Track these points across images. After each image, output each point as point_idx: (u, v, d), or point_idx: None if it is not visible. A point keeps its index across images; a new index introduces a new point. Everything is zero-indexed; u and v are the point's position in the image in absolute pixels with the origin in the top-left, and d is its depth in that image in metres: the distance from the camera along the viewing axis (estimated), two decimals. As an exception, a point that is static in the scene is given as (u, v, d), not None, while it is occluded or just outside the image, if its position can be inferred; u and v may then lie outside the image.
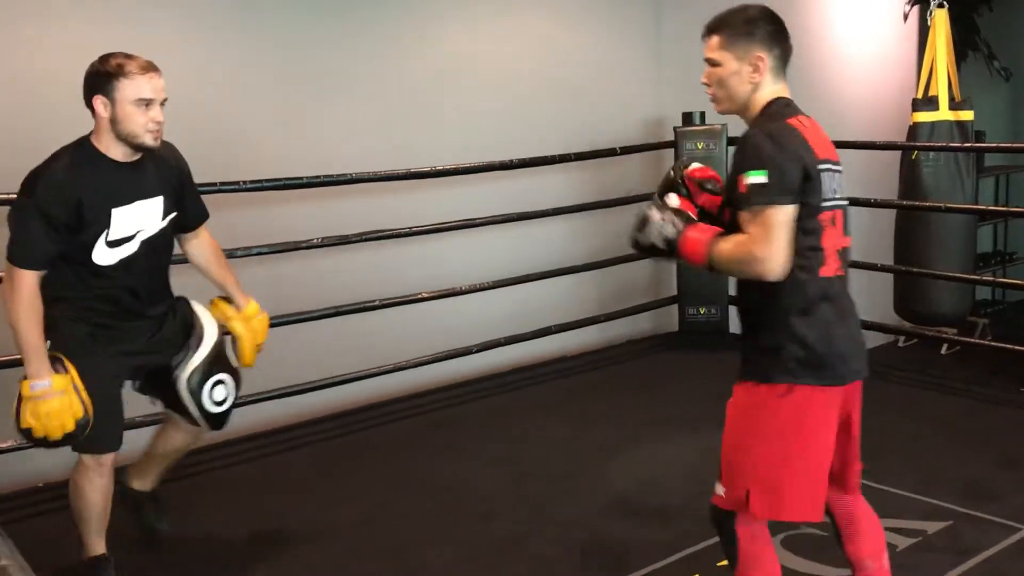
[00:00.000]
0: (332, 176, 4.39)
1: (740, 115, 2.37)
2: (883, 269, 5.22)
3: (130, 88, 2.60)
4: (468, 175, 4.93)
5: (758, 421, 2.29)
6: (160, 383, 2.98)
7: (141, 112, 2.61)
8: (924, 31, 5.51)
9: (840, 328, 2.27)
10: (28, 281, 2.63)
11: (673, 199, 2.39)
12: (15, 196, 2.76)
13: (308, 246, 4.34)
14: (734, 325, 5.69)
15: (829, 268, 2.24)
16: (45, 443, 2.69)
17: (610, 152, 5.49)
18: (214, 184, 3.89)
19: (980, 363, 5.18)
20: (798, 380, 2.23)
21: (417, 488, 3.83)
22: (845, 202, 2.31)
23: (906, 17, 5.98)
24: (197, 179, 3.10)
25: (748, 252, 2.15)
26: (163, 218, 2.82)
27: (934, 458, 3.94)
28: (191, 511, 3.60)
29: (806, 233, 2.19)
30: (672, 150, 5.64)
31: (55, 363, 2.68)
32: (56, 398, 2.62)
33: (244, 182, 4.14)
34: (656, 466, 3.96)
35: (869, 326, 5.42)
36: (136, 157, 2.71)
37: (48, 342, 2.71)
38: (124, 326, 2.83)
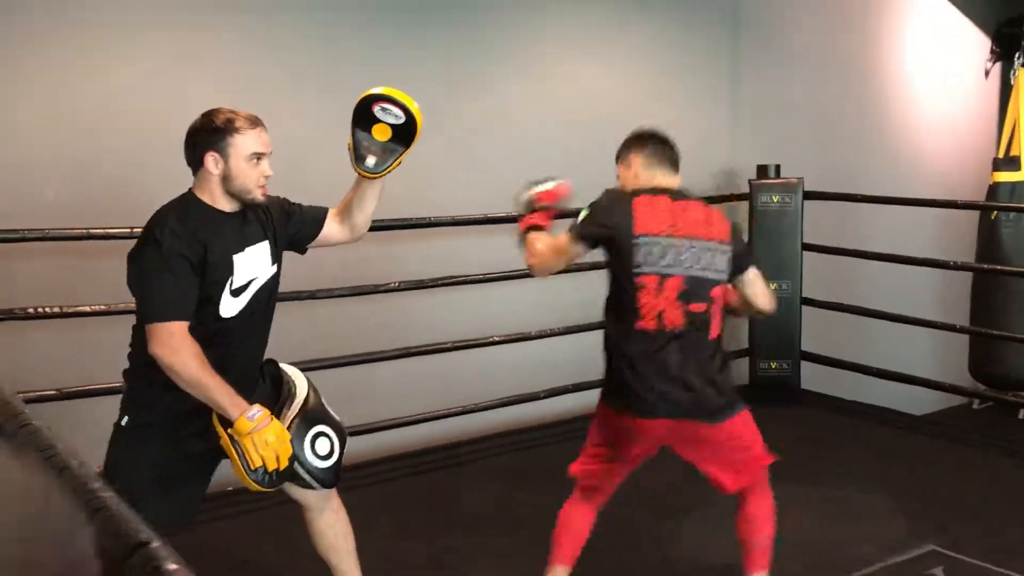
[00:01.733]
0: (411, 220, 4.49)
1: None
2: (960, 330, 5.14)
3: (243, 143, 2.55)
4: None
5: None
6: None
7: (253, 167, 2.57)
8: (1005, 88, 5.46)
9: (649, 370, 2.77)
10: (182, 332, 2.46)
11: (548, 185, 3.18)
12: (134, 258, 2.55)
13: (386, 289, 4.44)
14: (807, 380, 5.65)
15: (646, 323, 2.75)
16: (278, 478, 2.53)
17: (683, 203, 5.49)
18: None
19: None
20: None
21: (486, 529, 3.85)
22: (698, 273, 2.75)
23: (987, 74, 5.93)
24: None
25: (530, 247, 3.06)
26: (272, 263, 2.71)
27: (1010, 527, 3.84)
28: (261, 546, 3.67)
29: (621, 290, 2.80)
30: (747, 202, 5.64)
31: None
32: (272, 423, 2.52)
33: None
34: (720, 523, 3.92)
35: (943, 387, 5.34)
36: (241, 209, 2.65)
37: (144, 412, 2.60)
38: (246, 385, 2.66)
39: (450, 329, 4.80)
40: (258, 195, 2.59)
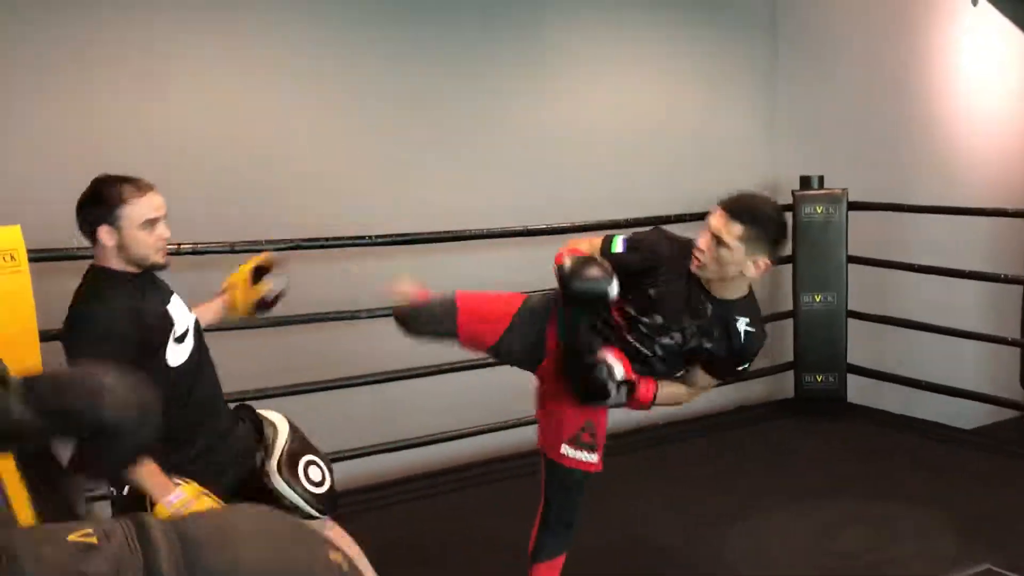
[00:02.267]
0: (441, 233, 4.52)
1: (712, 281, 2.60)
2: (1011, 343, 5.04)
3: (135, 211, 2.53)
4: (580, 233, 4.97)
5: None
6: (251, 492, 2.74)
7: (148, 234, 2.56)
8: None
9: None
10: None
11: (620, 369, 2.62)
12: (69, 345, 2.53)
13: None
14: (852, 393, 5.56)
15: None
16: None
17: (726, 214, 5.45)
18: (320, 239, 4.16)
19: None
20: None
21: (512, 554, 3.82)
22: None
23: (1037, 82, 5.84)
24: (307, 234, 3.59)
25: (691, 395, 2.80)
26: (189, 309, 2.76)
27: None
28: None
29: None
30: (790, 214, 5.57)
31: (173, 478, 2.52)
32: (196, 503, 2.47)
33: (371, 237, 4.29)
34: (769, 539, 3.87)
35: (994, 400, 5.23)
36: (142, 271, 2.63)
37: None
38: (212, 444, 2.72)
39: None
40: (158, 259, 2.60)
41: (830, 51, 6.06)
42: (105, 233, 2.53)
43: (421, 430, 4.60)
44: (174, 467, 2.49)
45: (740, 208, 2.48)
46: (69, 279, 3.84)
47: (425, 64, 4.79)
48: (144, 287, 2.61)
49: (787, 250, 2.55)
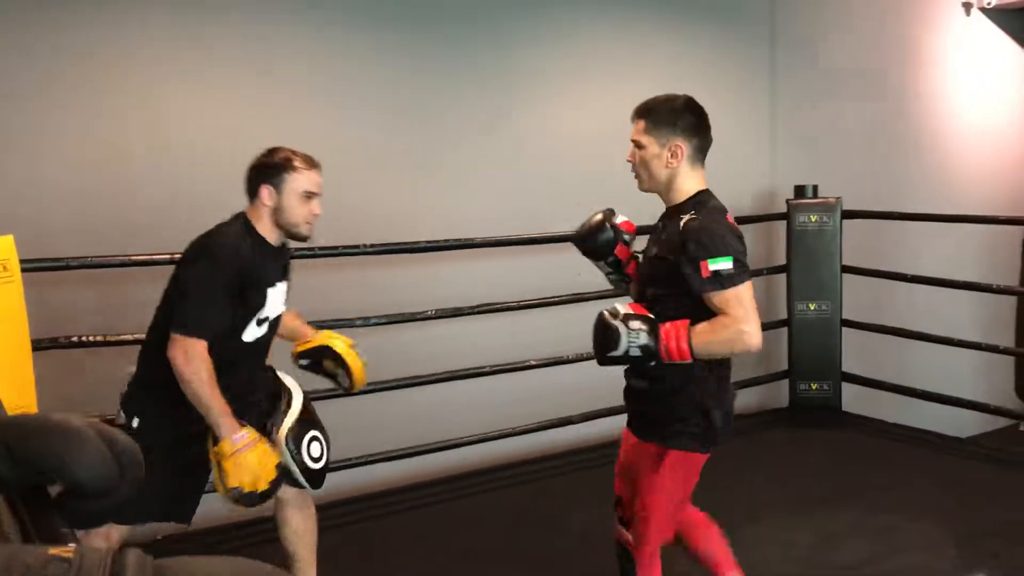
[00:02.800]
0: (451, 240, 4.50)
1: (660, 195, 2.61)
2: (1006, 352, 5.04)
3: (297, 181, 2.72)
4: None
5: None
6: None
7: (303, 203, 2.74)
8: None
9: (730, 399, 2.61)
10: (203, 350, 2.62)
11: (624, 307, 2.49)
12: (185, 266, 2.73)
13: (423, 317, 4.43)
14: (847, 401, 5.56)
15: None
16: (253, 499, 2.70)
17: (720, 223, 5.45)
18: (336, 248, 4.12)
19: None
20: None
21: (511, 560, 3.81)
22: None
23: (1029, 91, 5.86)
24: (323, 243, 3.42)
25: (737, 331, 2.36)
26: (284, 301, 2.92)
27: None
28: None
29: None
30: (784, 222, 5.58)
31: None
32: (257, 445, 2.68)
33: (365, 245, 4.27)
34: (766, 551, 3.86)
35: (987, 409, 5.23)
36: (283, 242, 2.83)
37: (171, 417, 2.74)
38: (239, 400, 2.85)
39: (488, 354, 4.78)
40: (304, 230, 2.77)
41: (827, 62, 6.08)
42: (266, 192, 2.72)
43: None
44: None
45: (637, 109, 2.61)
46: (62, 289, 3.83)
47: (414, 74, 4.79)
48: (268, 260, 2.76)
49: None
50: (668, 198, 2.58)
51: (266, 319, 2.82)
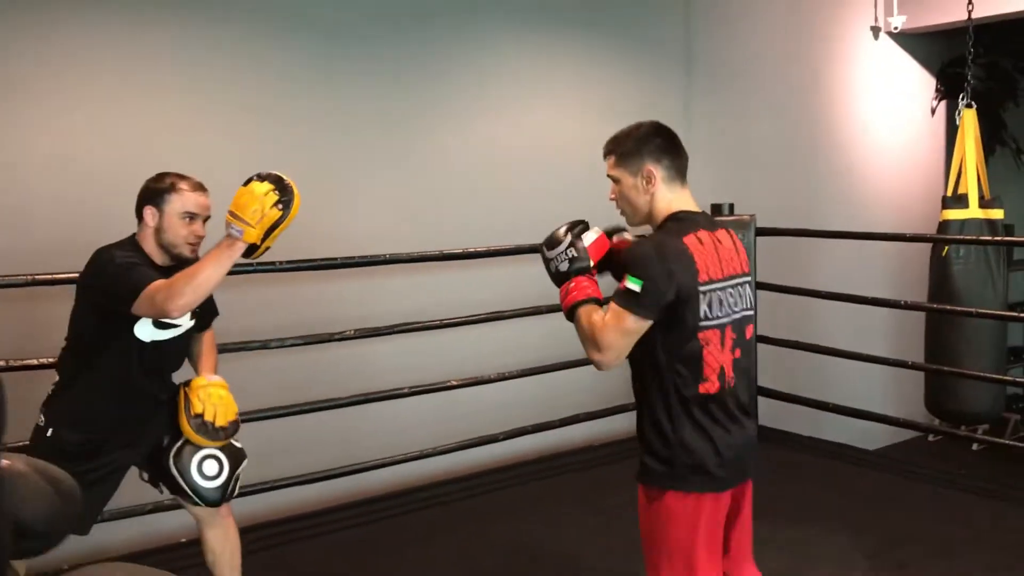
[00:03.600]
0: (366, 257, 4.47)
1: (650, 225, 2.52)
2: (913, 367, 5.19)
3: (178, 202, 2.85)
4: (501, 257, 5.01)
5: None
6: (159, 468, 3.05)
7: (184, 224, 2.87)
8: (952, 125, 5.58)
9: (724, 437, 2.38)
10: (160, 284, 2.70)
11: (590, 236, 2.51)
12: (86, 276, 2.88)
13: (341, 338, 4.38)
14: (763, 416, 5.63)
15: (711, 385, 2.35)
16: (209, 430, 2.92)
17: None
18: (251, 265, 4.00)
19: (1013, 461, 5.10)
20: (687, 488, 2.37)
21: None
22: (742, 314, 2.42)
23: (933, 112, 6.06)
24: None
25: (594, 335, 2.35)
26: (191, 318, 3.00)
27: (968, 564, 3.86)
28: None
29: (683, 351, 2.33)
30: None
31: None
32: (226, 390, 2.98)
33: (280, 262, 4.21)
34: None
35: (895, 422, 5.38)
36: (172, 264, 2.90)
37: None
38: (140, 416, 2.99)
39: (407, 374, 4.76)
40: (186, 251, 2.88)
41: (741, 82, 6.21)
42: (149, 213, 2.86)
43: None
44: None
45: (605, 146, 2.57)
46: (41, 305, 3.70)
47: (351, 90, 4.77)
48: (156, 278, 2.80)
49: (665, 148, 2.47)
50: (653, 224, 2.50)
51: (161, 327, 2.88)
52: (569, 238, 2.49)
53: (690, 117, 6.10)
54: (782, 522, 4.25)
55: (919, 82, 6.48)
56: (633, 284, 2.27)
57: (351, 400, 4.46)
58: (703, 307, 2.31)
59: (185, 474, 2.97)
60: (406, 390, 4.64)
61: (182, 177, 2.91)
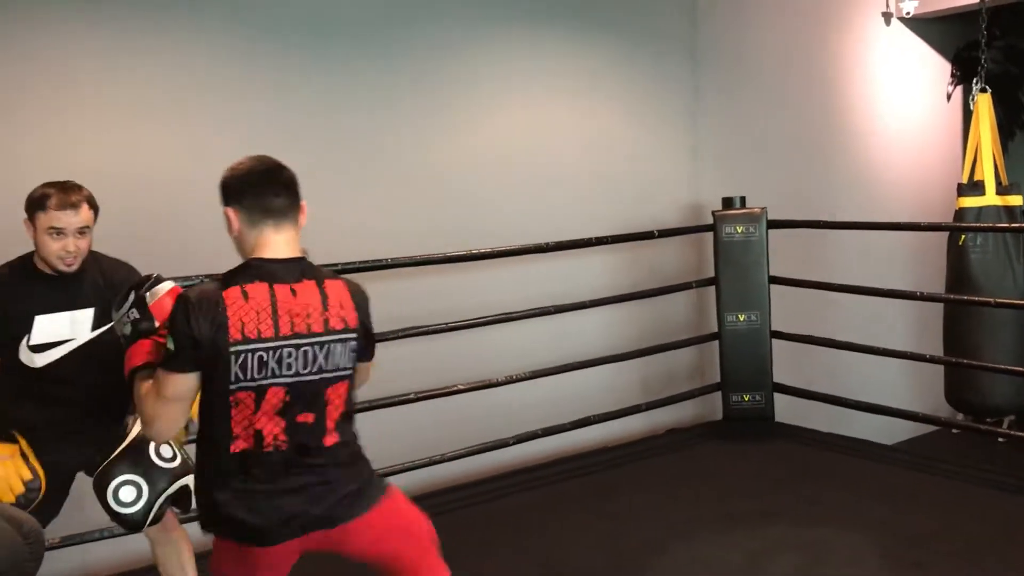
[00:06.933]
0: (368, 262, 4.38)
1: None
2: (932, 360, 5.07)
3: (44, 219, 2.81)
4: (506, 258, 4.93)
5: None
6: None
7: (52, 240, 2.82)
8: (968, 110, 5.44)
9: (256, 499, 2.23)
10: None
11: (160, 291, 2.32)
12: None
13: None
14: (780, 412, 5.56)
15: (239, 444, 2.20)
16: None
17: (648, 235, 5.44)
18: None
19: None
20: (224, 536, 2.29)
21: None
22: (318, 376, 2.22)
23: (949, 97, 5.93)
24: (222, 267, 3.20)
25: (142, 407, 2.22)
26: (93, 328, 2.94)
27: (990, 562, 3.74)
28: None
29: (218, 408, 2.18)
30: (711, 233, 5.57)
31: (6, 436, 2.92)
32: (2, 462, 2.84)
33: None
34: (700, 568, 3.82)
35: (913, 416, 5.26)
36: (73, 272, 2.89)
37: None
38: (60, 434, 2.99)
39: (414, 379, 4.69)
40: (59, 265, 2.85)
41: (750, 73, 6.10)
42: (27, 227, 2.86)
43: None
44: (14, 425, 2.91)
45: None
46: None
47: (342, 91, 4.71)
48: (36, 288, 2.87)
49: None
50: None
51: (44, 345, 2.89)
52: (132, 297, 2.32)
53: (697, 109, 6.00)
54: (799, 522, 4.15)
55: (934, 67, 6.32)
56: (169, 342, 2.14)
57: (358, 407, 4.39)
58: (234, 368, 2.13)
59: (102, 498, 2.95)
60: (412, 395, 4.58)
61: (54, 191, 2.82)
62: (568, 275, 5.31)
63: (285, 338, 2.17)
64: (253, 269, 2.21)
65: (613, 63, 5.68)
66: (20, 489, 2.83)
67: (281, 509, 2.24)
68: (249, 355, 2.14)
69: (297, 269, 2.24)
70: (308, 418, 2.24)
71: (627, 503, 4.60)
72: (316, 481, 2.27)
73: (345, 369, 2.27)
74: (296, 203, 2.27)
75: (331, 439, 2.29)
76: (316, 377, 2.22)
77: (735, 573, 3.68)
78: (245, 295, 2.16)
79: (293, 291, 2.20)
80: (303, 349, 2.19)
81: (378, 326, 4.34)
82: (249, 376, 2.15)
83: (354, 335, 2.27)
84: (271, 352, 2.16)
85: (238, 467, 2.21)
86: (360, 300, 2.31)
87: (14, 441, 2.91)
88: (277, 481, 2.23)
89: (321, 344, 2.21)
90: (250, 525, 2.22)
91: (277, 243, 2.23)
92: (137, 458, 2.99)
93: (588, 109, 5.61)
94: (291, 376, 2.19)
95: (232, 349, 2.12)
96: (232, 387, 2.15)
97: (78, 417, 2.99)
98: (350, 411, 2.36)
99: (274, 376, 2.17)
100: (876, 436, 5.41)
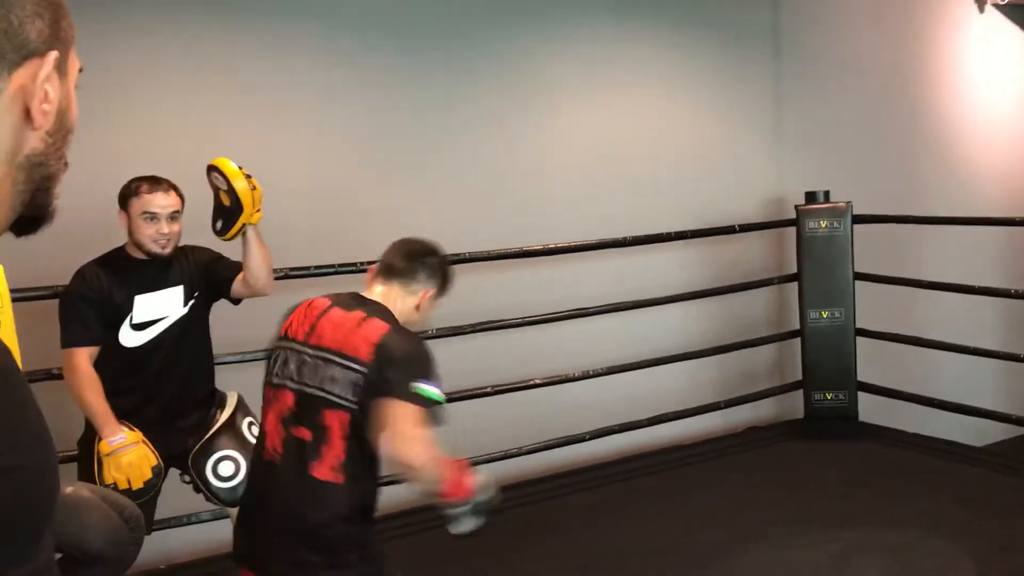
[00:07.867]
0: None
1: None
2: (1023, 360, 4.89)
3: (138, 204, 3.03)
4: (583, 253, 4.91)
5: None
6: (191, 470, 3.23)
7: (147, 224, 3.03)
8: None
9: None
10: (81, 359, 2.99)
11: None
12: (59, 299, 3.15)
13: (422, 336, 4.33)
14: (863, 412, 5.43)
15: (268, 451, 2.25)
16: (130, 495, 2.87)
17: (729, 230, 5.35)
18: (332, 266, 4.09)
19: None
20: None
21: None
22: (314, 392, 2.18)
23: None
24: (319, 260, 3.77)
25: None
26: (184, 304, 3.15)
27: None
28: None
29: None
30: (794, 228, 5.46)
31: (123, 424, 3.02)
32: (133, 448, 2.95)
33: (361, 263, 4.20)
34: (780, 570, 3.75)
35: (1006, 418, 5.08)
36: (155, 254, 3.07)
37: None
38: (164, 419, 3.13)
39: (491, 374, 4.70)
40: (153, 248, 3.05)
41: (834, 64, 5.95)
42: (121, 217, 3.06)
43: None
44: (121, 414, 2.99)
45: None
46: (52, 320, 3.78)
47: (423, 89, 4.73)
48: (132, 272, 3.07)
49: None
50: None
51: (146, 323, 3.07)
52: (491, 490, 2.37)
53: (781, 103, 5.87)
54: (883, 524, 4.05)
55: (1030, 56, 6.11)
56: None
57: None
58: (277, 365, 2.27)
59: (201, 475, 3.12)
60: (489, 389, 4.59)
61: (144, 179, 3.06)
62: (646, 271, 5.26)
63: (310, 346, 2.24)
64: (340, 295, 2.37)
65: (693, 55, 5.59)
66: (149, 476, 2.96)
67: (246, 525, 2.30)
68: (283, 352, 2.28)
69: (362, 304, 2.30)
70: (305, 435, 2.17)
71: (704, 502, 4.54)
72: (279, 512, 2.18)
73: (345, 399, 2.15)
74: (413, 274, 2.39)
75: (323, 473, 2.14)
76: (318, 392, 2.17)
77: (822, 573, 3.60)
78: (309, 304, 2.35)
79: (335, 313, 2.27)
80: (320, 363, 2.19)
81: (454, 320, 4.40)
82: (276, 372, 2.28)
83: (358, 367, 2.15)
84: (299, 355, 2.25)
85: (253, 467, 2.38)
86: (393, 350, 2.20)
87: (132, 429, 3.01)
88: (256, 492, 2.30)
89: (324, 358, 2.19)
90: (236, 542, 2.34)
91: (375, 289, 2.38)
92: (233, 435, 3.19)
93: (668, 102, 5.53)
94: (296, 382, 2.21)
95: (279, 342, 2.32)
96: (266, 380, 2.31)
97: (178, 397, 3.14)
98: (364, 459, 2.19)
99: (292, 381, 2.23)
100: (965, 438, 5.25)
